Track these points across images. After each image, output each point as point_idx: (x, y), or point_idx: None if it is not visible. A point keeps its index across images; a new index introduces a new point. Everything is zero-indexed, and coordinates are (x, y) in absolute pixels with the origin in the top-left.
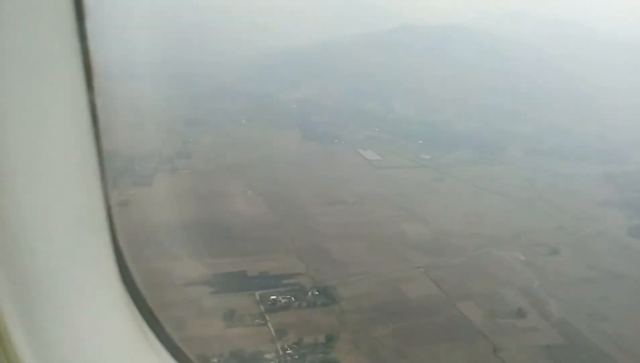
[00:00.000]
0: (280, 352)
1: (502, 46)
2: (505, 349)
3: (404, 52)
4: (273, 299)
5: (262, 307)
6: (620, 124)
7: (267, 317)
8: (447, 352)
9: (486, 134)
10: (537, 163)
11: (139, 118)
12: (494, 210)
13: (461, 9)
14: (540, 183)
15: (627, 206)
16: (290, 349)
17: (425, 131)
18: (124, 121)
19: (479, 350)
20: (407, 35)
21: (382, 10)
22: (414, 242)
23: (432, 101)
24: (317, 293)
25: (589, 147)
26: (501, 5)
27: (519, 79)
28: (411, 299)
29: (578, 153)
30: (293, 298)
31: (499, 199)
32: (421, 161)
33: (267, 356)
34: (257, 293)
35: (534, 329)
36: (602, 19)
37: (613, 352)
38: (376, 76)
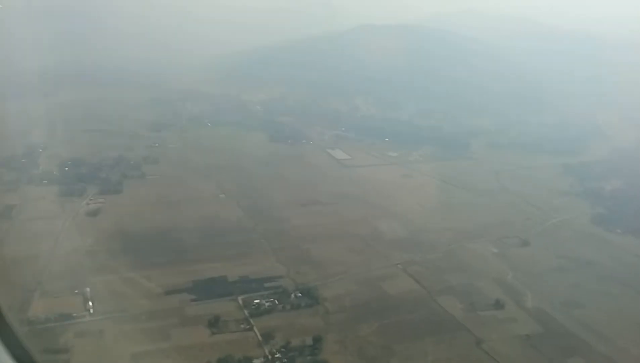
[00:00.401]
0: (269, 356)
1: (458, 42)
2: (488, 340)
3: (364, 52)
4: (257, 303)
5: (246, 312)
6: (572, 114)
7: (252, 322)
8: (432, 347)
9: (448, 129)
10: (500, 157)
11: (102, 124)
12: (463, 204)
13: (414, 8)
14: (504, 176)
15: (587, 195)
16: (279, 353)
17: (389, 128)
18: (88, 127)
19: (463, 343)
20: (366, 34)
21: (340, 10)
22: (389, 239)
23: (393, 99)
24: (300, 295)
25: (546, 138)
26: (452, 4)
27: (476, 74)
28: (392, 296)
29: (537, 144)
30: (277, 301)
31: (466, 193)
32: (389, 158)
33: (256, 361)
34: (239, 298)
35: (513, 320)
36: (551, 13)
37: (589, 338)
38: (337, 76)
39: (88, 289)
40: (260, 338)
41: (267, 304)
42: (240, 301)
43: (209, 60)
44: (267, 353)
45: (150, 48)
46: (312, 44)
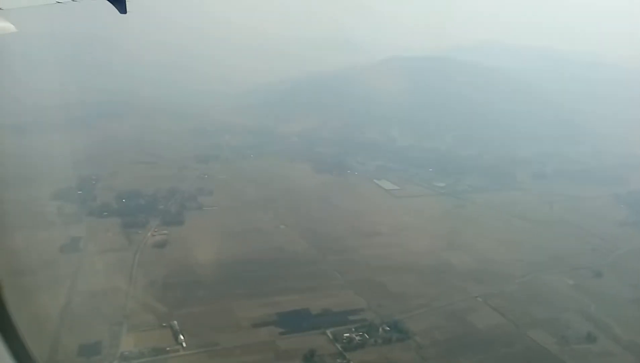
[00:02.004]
0: None
1: (484, 72)
2: None
3: (393, 83)
4: (347, 337)
5: (338, 346)
6: (608, 143)
7: (347, 356)
8: None
9: (489, 159)
10: (547, 187)
11: (148, 156)
12: (524, 235)
13: (437, 40)
14: (558, 207)
15: None
16: None
17: (431, 158)
18: (134, 158)
19: None
20: (394, 66)
21: (369, 43)
22: (461, 271)
23: (428, 129)
24: (388, 328)
25: (589, 168)
26: (473, 35)
27: (505, 103)
28: (482, 330)
29: (582, 174)
30: (367, 335)
31: (525, 224)
32: (438, 189)
33: None
34: (328, 332)
35: (609, 353)
36: (573, 43)
37: None
38: (370, 107)
39: (175, 322)
40: None
41: (357, 338)
42: (330, 335)
43: (240, 91)
44: None
45: (181, 79)
46: (341, 76)
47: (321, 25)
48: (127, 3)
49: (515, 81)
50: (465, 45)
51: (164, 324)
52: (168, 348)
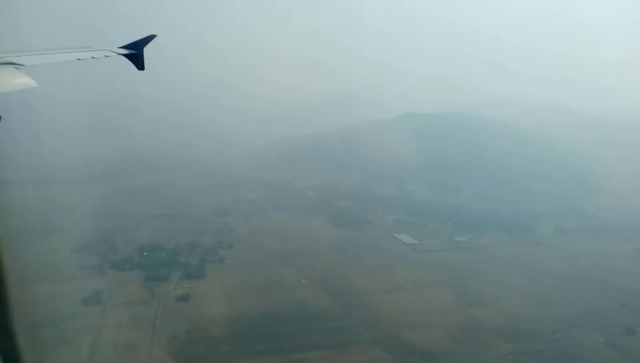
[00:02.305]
0: None
1: (495, 129)
2: None
3: (407, 139)
4: None
5: None
6: (623, 198)
7: None
8: None
9: (509, 215)
10: (568, 242)
11: (167, 209)
12: (550, 291)
13: (447, 98)
14: (582, 263)
15: None
16: None
17: (449, 213)
18: (154, 212)
19: None
20: (407, 122)
21: (383, 100)
22: (489, 328)
23: (444, 184)
24: None
25: (609, 223)
26: (485, 93)
27: (517, 159)
28: None
29: (602, 230)
30: None
31: (551, 280)
32: (458, 243)
33: None
34: None
35: None
36: (580, 100)
37: None
38: (385, 162)
39: None
40: None
41: None
42: None
43: (256, 148)
44: None
45: (198, 136)
46: (355, 132)
47: (336, 82)
48: (144, 61)
49: (524, 137)
50: (478, 101)
51: None
52: None
